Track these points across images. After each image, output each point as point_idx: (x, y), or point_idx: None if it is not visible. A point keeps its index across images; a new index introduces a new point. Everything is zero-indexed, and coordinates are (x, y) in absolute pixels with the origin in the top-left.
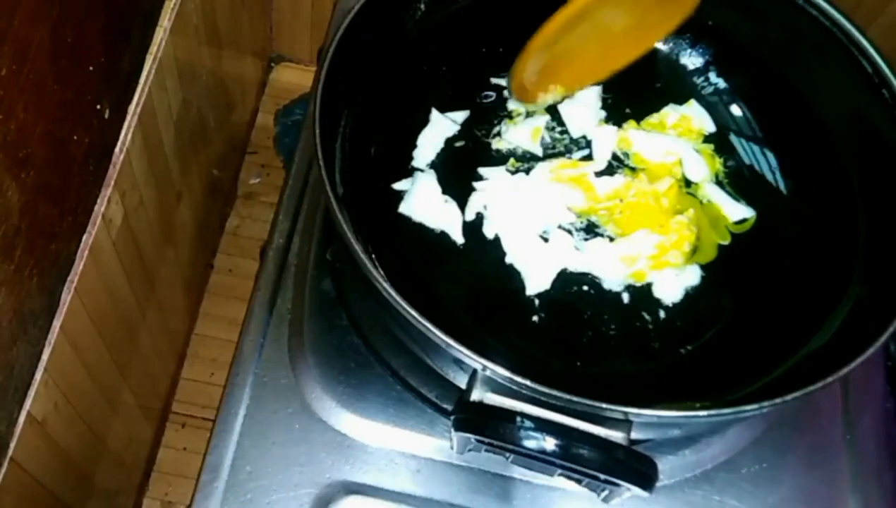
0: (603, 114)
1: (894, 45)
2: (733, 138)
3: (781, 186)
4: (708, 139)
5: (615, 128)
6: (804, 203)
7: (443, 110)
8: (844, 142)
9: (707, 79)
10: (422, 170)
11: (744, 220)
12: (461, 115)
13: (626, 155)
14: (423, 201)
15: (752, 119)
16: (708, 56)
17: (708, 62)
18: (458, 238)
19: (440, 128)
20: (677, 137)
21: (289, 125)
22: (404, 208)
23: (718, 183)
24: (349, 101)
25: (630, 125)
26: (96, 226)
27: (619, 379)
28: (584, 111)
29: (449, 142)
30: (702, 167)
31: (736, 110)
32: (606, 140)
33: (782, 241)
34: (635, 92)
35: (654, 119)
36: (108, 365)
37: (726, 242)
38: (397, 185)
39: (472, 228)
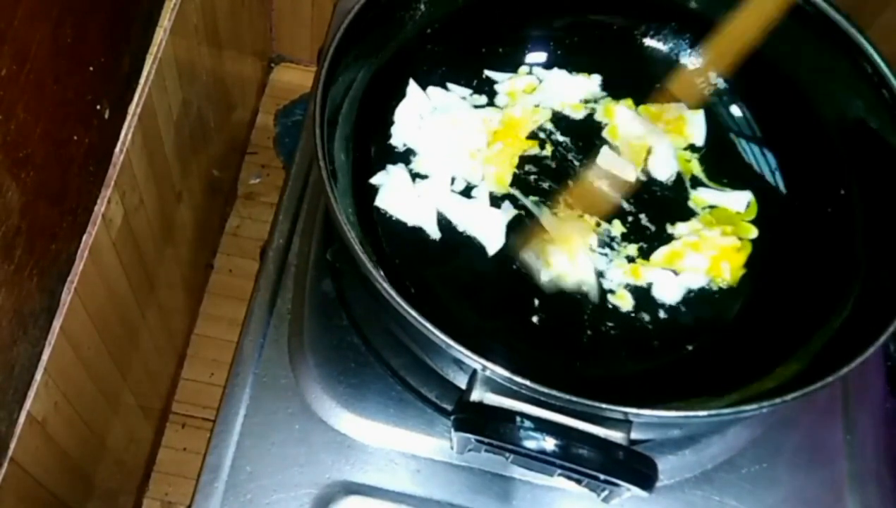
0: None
1: (894, 45)
2: (733, 138)
3: (781, 186)
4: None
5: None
6: (804, 203)
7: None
8: (844, 142)
9: (707, 79)
10: (396, 159)
11: (748, 205)
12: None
13: (605, 124)
14: (396, 195)
15: (752, 119)
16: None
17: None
18: (434, 233)
19: (417, 102)
20: (663, 132)
21: (289, 125)
22: (380, 202)
23: (702, 184)
24: (349, 101)
25: (626, 103)
26: (96, 226)
27: (619, 379)
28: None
29: None
30: (669, 165)
31: (736, 110)
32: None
33: (781, 241)
34: (634, 91)
35: (654, 107)
36: (108, 365)
37: (754, 236)
38: (374, 180)
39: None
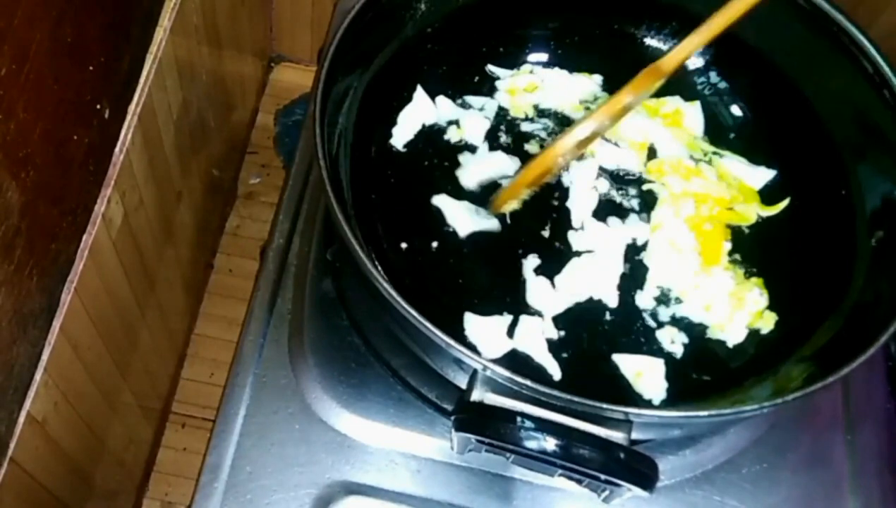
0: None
1: (894, 45)
2: (733, 138)
3: (782, 184)
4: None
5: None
6: (804, 203)
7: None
8: (845, 141)
9: (707, 79)
10: (399, 150)
11: (769, 185)
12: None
13: None
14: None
15: (751, 119)
16: (708, 56)
17: (708, 62)
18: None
19: (422, 108)
20: (662, 126)
21: (289, 125)
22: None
23: (718, 154)
24: (349, 101)
25: None
26: (96, 226)
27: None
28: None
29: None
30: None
31: (736, 110)
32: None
33: (782, 241)
34: None
35: (651, 102)
36: (108, 365)
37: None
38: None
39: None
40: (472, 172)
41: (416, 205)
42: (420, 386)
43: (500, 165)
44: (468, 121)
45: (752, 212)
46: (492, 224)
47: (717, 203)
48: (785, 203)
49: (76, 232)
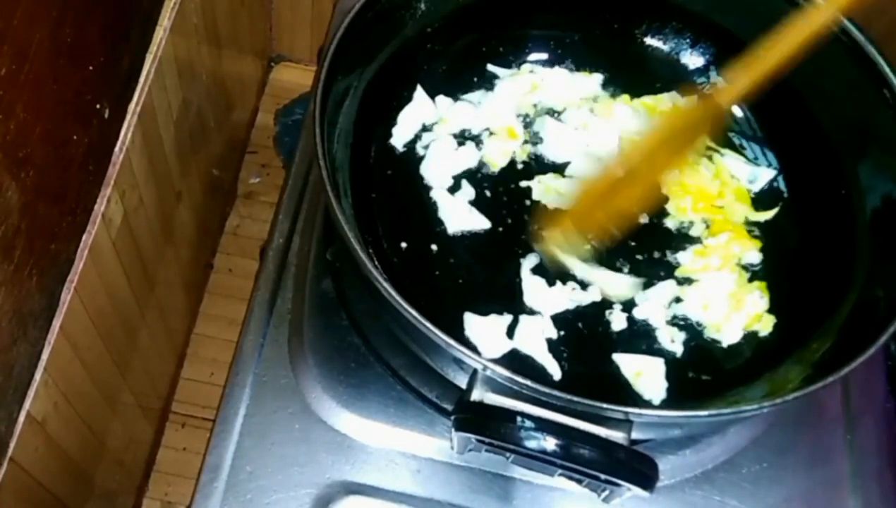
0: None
1: (895, 44)
2: (733, 138)
3: (781, 186)
4: None
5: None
6: (804, 203)
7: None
8: (844, 141)
9: (707, 78)
10: (399, 150)
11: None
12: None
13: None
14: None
15: (752, 119)
16: (708, 56)
17: (708, 62)
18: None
19: (422, 108)
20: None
21: (289, 125)
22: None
23: (732, 147)
24: (349, 101)
25: (623, 99)
26: (96, 226)
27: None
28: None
29: None
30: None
31: (736, 110)
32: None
33: (782, 241)
34: (635, 90)
35: (648, 100)
36: (107, 365)
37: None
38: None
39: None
40: (437, 167)
41: (417, 205)
42: (420, 386)
43: (465, 158)
44: (454, 114)
45: (738, 214)
46: (481, 223)
47: (701, 197)
48: (774, 211)
49: (76, 232)
